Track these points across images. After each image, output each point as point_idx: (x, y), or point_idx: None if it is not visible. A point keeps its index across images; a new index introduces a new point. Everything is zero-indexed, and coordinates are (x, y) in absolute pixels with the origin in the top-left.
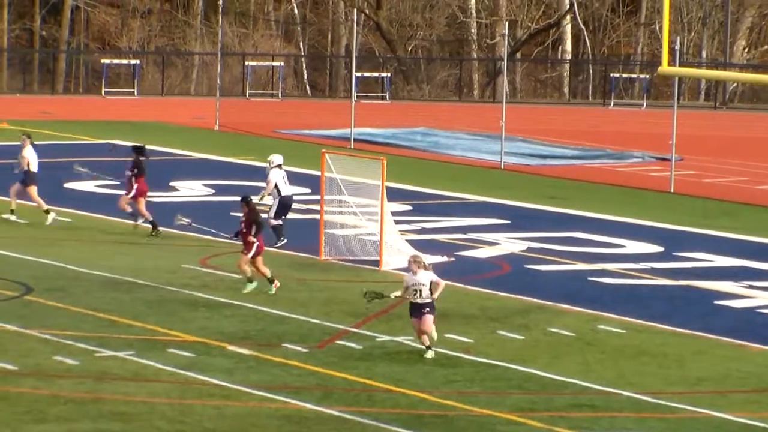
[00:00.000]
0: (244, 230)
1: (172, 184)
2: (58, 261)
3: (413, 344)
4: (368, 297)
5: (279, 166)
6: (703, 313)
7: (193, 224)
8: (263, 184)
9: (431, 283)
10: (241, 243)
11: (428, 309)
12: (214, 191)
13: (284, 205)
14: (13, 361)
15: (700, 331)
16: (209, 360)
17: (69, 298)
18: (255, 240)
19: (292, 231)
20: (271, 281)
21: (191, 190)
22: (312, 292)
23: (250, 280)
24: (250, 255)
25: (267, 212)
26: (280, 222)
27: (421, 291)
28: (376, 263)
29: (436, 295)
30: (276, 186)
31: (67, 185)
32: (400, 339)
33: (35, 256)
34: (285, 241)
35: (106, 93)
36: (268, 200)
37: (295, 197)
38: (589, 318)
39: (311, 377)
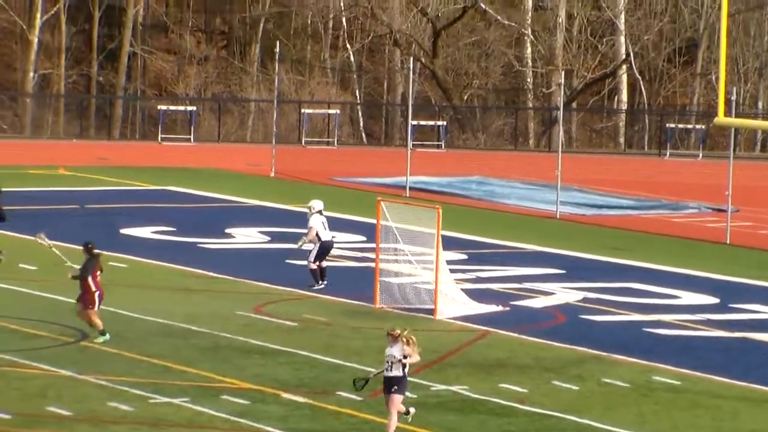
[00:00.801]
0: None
1: (227, 230)
2: (113, 307)
3: (467, 393)
4: (358, 385)
5: (320, 211)
6: (759, 364)
7: (51, 247)
8: None
9: (404, 357)
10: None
11: (396, 387)
12: (269, 238)
13: (325, 249)
14: (68, 407)
15: (756, 383)
16: (263, 407)
17: (124, 344)
18: (95, 289)
19: (348, 278)
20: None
21: (247, 237)
22: (367, 340)
23: (103, 333)
24: (96, 307)
25: (307, 256)
26: (320, 265)
27: (392, 365)
28: (431, 312)
29: (406, 370)
30: (317, 232)
31: (123, 231)
32: (454, 388)
33: None
34: (324, 284)
35: (163, 139)
36: (308, 246)
37: (335, 242)
38: (644, 369)
39: (365, 426)
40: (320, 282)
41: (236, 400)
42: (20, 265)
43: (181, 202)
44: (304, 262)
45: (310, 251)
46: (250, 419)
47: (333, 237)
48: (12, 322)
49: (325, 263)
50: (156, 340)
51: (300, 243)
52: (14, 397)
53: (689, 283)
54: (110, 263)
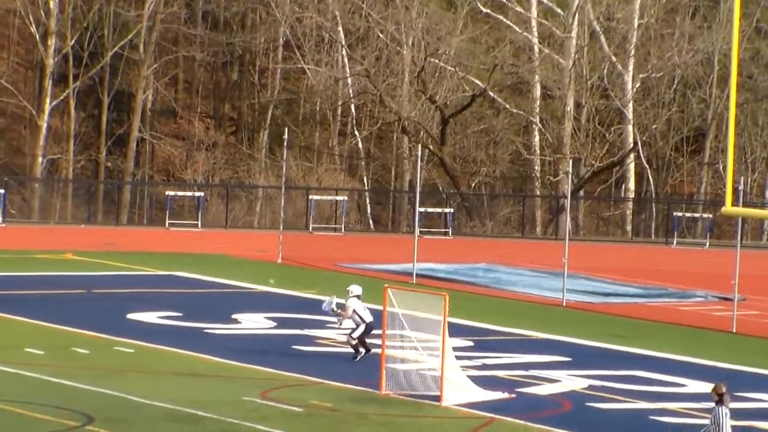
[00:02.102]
0: None
1: (234, 316)
2: (119, 392)
3: None
4: None
5: (357, 296)
6: None
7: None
8: (324, 318)
9: None
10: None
11: None
12: (275, 324)
13: (369, 329)
14: None
15: None
16: None
17: (130, 429)
18: None
19: (354, 364)
20: None
21: (253, 322)
22: (372, 426)
23: None
24: None
25: (349, 334)
26: (364, 342)
27: None
28: (437, 398)
29: None
30: (358, 314)
31: (130, 316)
32: None
33: (97, 387)
34: (368, 353)
35: (170, 224)
36: (348, 323)
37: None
38: None
39: None
40: (364, 352)
41: None
42: (26, 349)
43: (188, 288)
44: (310, 348)
45: (353, 329)
46: None
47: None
48: (18, 406)
49: (368, 341)
50: (162, 426)
51: (338, 322)
52: None
53: (695, 372)
54: (116, 348)
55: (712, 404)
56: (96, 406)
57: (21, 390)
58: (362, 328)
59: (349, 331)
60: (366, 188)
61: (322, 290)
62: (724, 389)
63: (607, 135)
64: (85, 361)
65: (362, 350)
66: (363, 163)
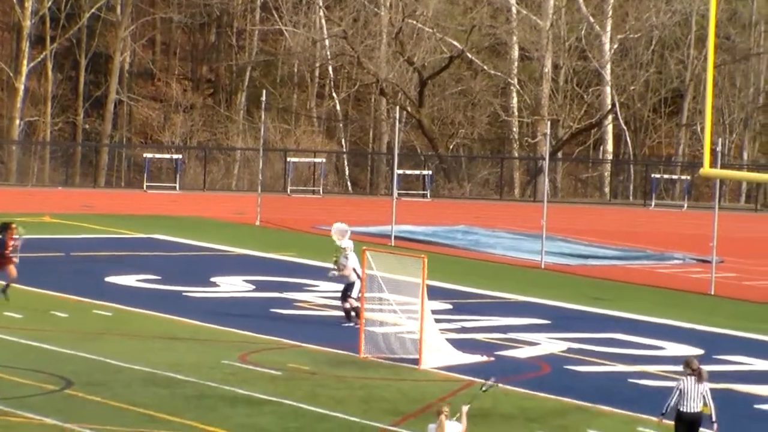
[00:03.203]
0: None
1: (212, 279)
2: (98, 355)
3: None
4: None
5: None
6: (743, 416)
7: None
8: (303, 281)
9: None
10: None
11: None
12: (254, 287)
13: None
14: None
15: None
16: None
17: (109, 393)
18: None
19: (332, 327)
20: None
21: (231, 285)
22: (351, 389)
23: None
24: None
25: (350, 295)
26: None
27: None
28: (416, 361)
29: None
30: (356, 270)
31: (108, 279)
32: None
33: (75, 350)
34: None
35: (148, 187)
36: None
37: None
38: (629, 420)
39: None
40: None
41: None
42: (5, 313)
43: (167, 251)
44: (289, 311)
45: (350, 288)
46: None
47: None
48: None
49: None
50: (141, 389)
51: (331, 274)
52: None
53: (673, 334)
54: (95, 311)
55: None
56: (75, 369)
57: (1, 354)
58: (358, 285)
59: (344, 293)
60: (344, 150)
61: (301, 252)
62: (696, 364)
63: (585, 96)
64: (63, 325)
65: (354, 320)
66: (341, 125)
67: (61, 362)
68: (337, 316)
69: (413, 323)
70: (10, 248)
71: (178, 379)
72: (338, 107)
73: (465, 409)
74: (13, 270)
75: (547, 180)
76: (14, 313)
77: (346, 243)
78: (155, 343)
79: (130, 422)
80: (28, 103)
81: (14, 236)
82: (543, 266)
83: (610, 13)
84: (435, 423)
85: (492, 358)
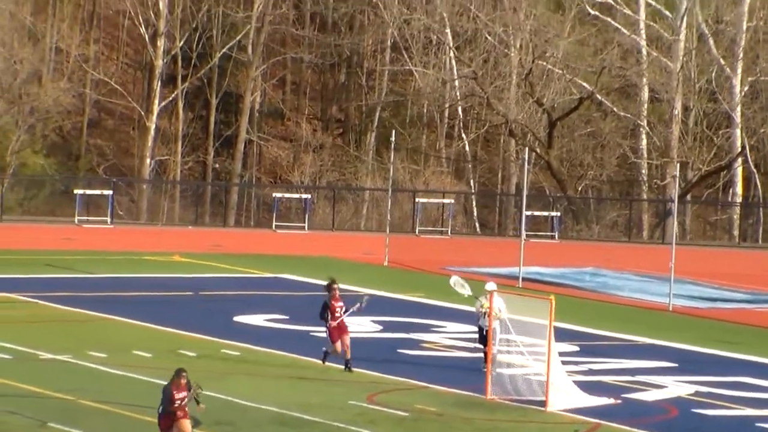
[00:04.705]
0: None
1: None
2: (226, 395)
3: None
4: None
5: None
6: None
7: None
8: (430, 321)
9: None
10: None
11: None
12: (381, 327)
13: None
14: None
15: None
16: None
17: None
18: None
19: (459, 369)
20: None
21: (359, 326)
22: (478, 431)
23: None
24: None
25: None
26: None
27: None
28: (543, 403)
29: None
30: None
31: (237, 318)
32: None
33: (204, 390)
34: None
35: (277, 227)
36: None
37: (468, 334)
38: None
39: None
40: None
41: None
42: (134, 352)
43: (295, 290)
44: (416, 352)
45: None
46: None
47: None
48: (125, 408)
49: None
50: (269, 429)
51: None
52: None
53: None
54: (223, 350)
55: None
56: (203, 409)
57: (129, 392)
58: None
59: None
60: (473, 191)
61: (428, 293)
62: None
63: (715, 138)
64: (192, 364)
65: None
66: (470, 165)
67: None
68: (467, 357)
69: (540, 365)
70: (337, 311)
71: (306, 419)
72: (467, 148)
73: None
74: (345, 341)
75: (675, 222)
76: (143, 351)
77: (491, 286)
78: (283, 382)
79: None
80: (159, 143)
81: (338, 297)
82: (671, 309)
83: (741, 55)
84: None
85: (619, 401)
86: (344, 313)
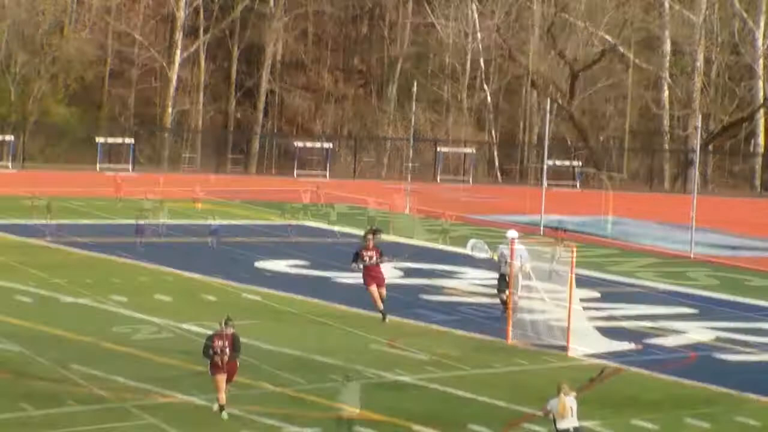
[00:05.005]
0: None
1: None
2: (248, 339)
3: (599, 429)
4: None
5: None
6: None
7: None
8: (452, 268)
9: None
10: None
11: None
12: (402, 273)
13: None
14: None
15: None
16: None
17: (258, 375)
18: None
19: (480, 314)
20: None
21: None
22: (498, 375)
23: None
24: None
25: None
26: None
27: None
28: (564, 348)
29: None
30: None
31: (258, 264)
32: (587, 424)
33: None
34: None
35: (298, 175)
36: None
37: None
38: None
39: None
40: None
41: (368, 431)
42: (155, 296)
43: (317, 237)
44: (437, 297)
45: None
46: None
47: None
48: (144, 351)
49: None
50: (289, 372)
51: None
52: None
53: None
54: (245, 295)
55: None
56: None
57: (148, 335)
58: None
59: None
60: (494, 141)
61: (450, 241)
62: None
63: (737, 90)
64: (212, 309)
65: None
66: (491, 116)
67: None
68: (488, 303)
69: (562, 311)
70: (366, 259)
71: (327, 363)
72: (489, 99)
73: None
74: (382, 293)
75: (697, 172)
76: (164, 296)
77: (512, 233)
78: (305, 327)
79: (277, 404)
80: (181, 92)
81: (370, 247)
82: (692, 257)
83: (764, 8)
84: (555, 398)
85: (640, 346)
86: (375, 262)
